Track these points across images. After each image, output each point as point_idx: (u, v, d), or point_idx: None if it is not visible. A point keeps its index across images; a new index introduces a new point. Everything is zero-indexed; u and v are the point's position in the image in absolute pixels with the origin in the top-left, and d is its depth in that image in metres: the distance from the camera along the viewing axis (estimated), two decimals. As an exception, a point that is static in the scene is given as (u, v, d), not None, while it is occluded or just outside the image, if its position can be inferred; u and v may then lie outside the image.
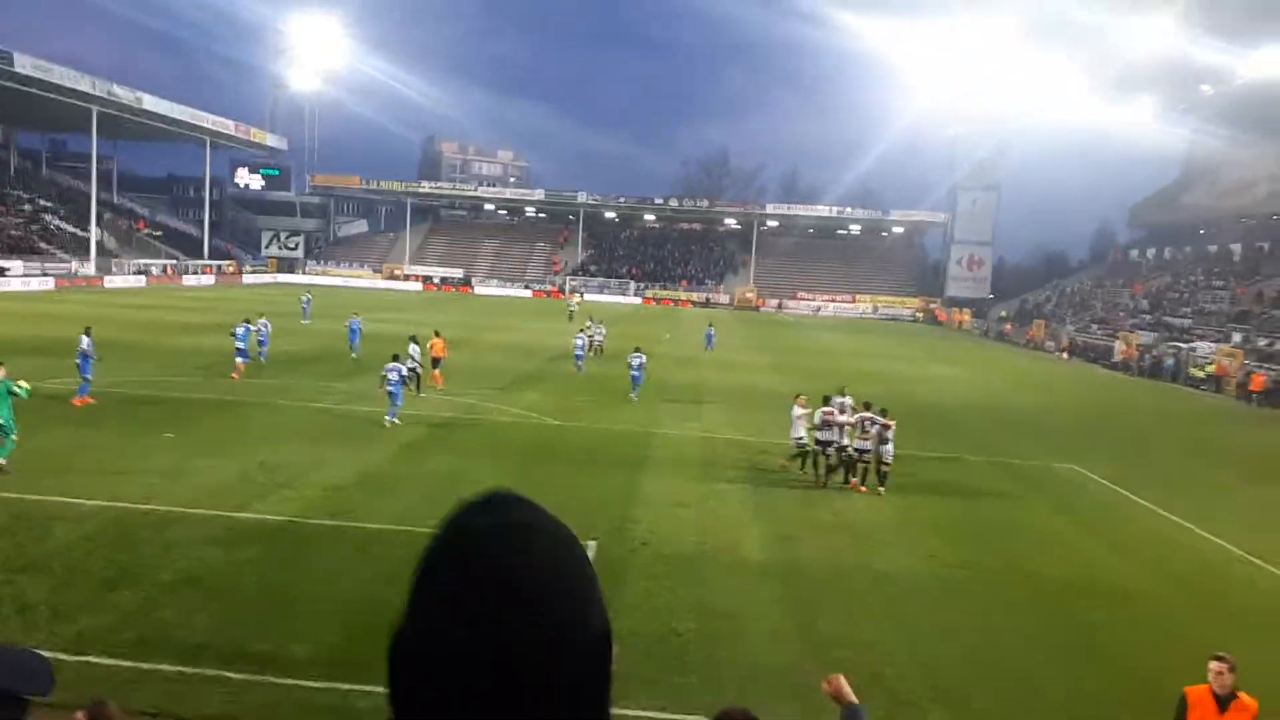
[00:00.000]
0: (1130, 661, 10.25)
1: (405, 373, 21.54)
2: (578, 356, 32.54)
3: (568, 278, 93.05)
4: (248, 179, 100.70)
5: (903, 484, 17.82)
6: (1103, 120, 75.48)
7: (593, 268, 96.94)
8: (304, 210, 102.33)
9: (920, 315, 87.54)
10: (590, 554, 11.67)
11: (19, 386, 14.87)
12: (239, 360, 25.50)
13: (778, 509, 15.77)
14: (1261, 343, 46.23)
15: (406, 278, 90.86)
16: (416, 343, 25.03)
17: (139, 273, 72.16)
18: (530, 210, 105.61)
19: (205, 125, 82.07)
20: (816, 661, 9.81)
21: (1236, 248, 63.90)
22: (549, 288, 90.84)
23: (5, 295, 51.82)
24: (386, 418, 20.35)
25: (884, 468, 17.43)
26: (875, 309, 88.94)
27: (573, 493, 15.62)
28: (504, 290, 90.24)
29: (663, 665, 9.12)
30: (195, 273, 79.00)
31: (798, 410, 18.50)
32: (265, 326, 28.85)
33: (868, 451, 17.51)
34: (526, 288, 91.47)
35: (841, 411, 17.93)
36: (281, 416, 20.86)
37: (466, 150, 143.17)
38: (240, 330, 26.06)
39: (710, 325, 46.05)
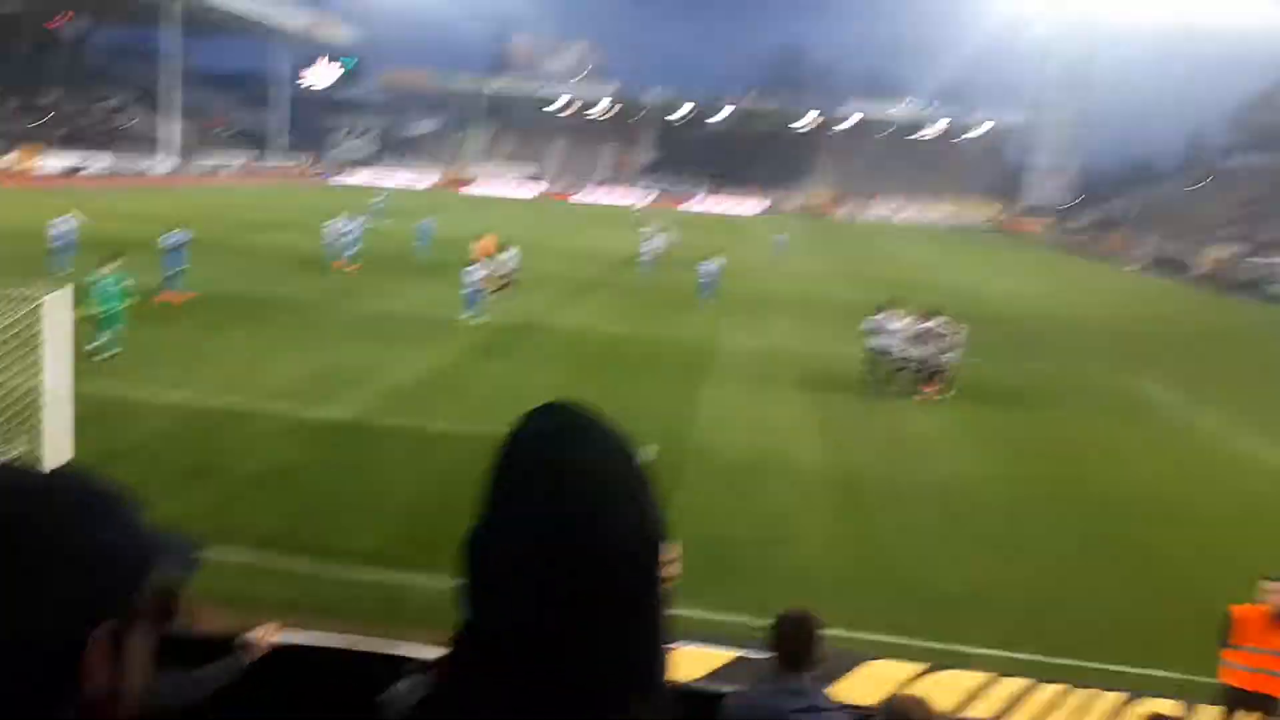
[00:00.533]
0: (1182, 580, 10.25)
1: (484, 275, 22.25)
2: (644, 264, 32.93)
3: (637, 177, 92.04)
4: (321, 73, 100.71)
5: (966, 397, 17.76)
6: (1205, 14, 70.86)
7: (661, 169, 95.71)
8: (375, 107, 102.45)
9: (998, 223, 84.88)
10: (651, 459, 11.92)
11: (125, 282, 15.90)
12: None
13: (839, 420, 15.87)
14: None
15: (475, 180, 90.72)
16: (511, 248, 24.98)
17: (216, 168, 73.54)
18: (599, 109, 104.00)
19: (277, 19, 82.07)
20: (868, 568, 10.07)
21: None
22: (619, 189, 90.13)
23: (87, 191, 53.41)
24: (466, 314, 21.45)
25: (944, 374, 17.49)
26: (952, 216, 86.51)
27: (631, 400, 15.86)
28: (595, 196, 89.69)
29: (714, 569, 9.42)
30: (266, 172, 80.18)
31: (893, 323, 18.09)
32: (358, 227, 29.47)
33: (928, 361, 17.49)
34: (601, 185, 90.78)
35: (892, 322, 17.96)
36: (348, 318, 21.43)
37: (537, 43, 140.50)
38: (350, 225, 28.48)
39: (782, 233, 45.74)
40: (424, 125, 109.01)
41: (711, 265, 27.50)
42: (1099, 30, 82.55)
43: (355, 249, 28.94)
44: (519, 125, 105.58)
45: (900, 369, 17.89)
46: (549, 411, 1.19)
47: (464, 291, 21.84)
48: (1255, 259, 48.38)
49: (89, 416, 11.02)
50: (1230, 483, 14.17)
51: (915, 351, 17.72)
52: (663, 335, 22.27)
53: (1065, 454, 14.94)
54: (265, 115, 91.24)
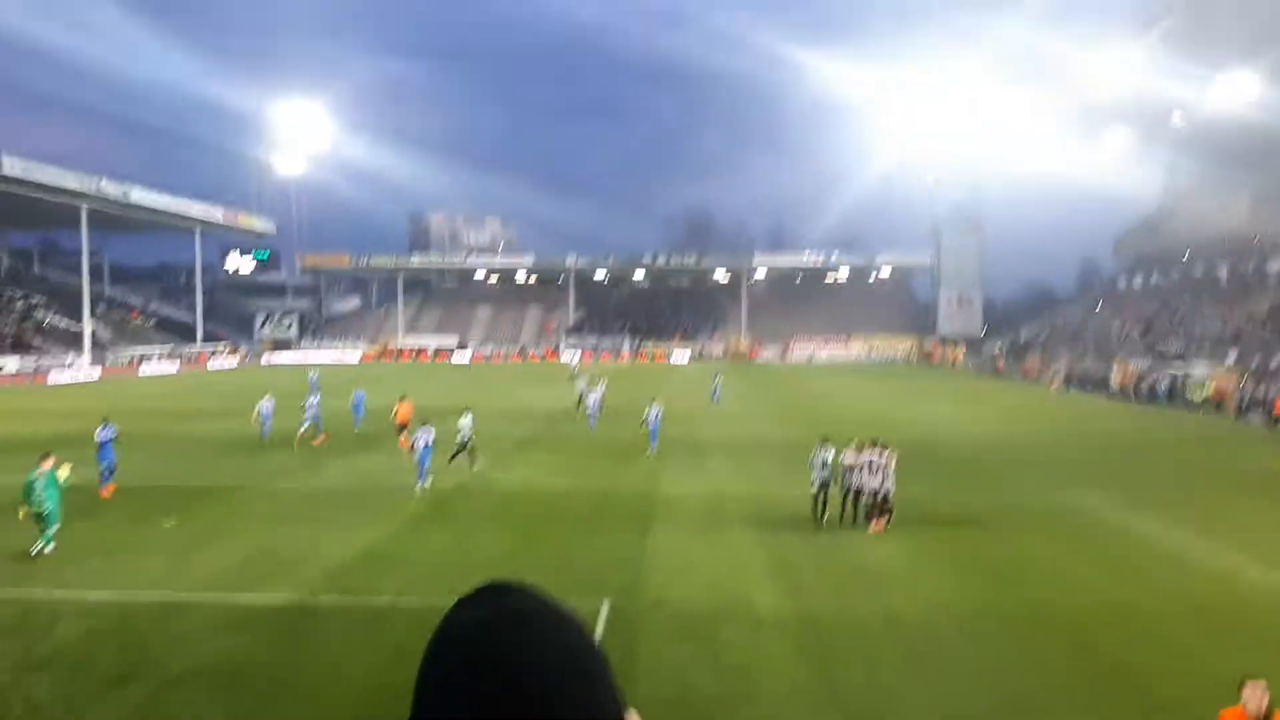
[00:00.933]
0: (1156, 692, 10.09)
1: (432, 440, 21.58)
2: (590, 416, 33.68)
3: (562, 340, 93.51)
4: (238, 263, 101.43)
5: (911, 525, 17.78)
6: (1080, 154, 76.70)
7: (585, 328, 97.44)
8: (295, 291, 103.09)
9: (914, 355, 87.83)
10: (603, 614, 11.62)
11: (61, 476, 15.51)
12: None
13: (789, 559, 15.64)
14: (1264, 364, 46.34)
15: (402, 352, 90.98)
16: (468, 415, 24.39)
17: (138, 358, 72.29)
18: (520, 275, 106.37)
19: (193, 214, 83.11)
20: (836, 712, 9.67)
21: (1223, 271, 64.39)
22: (544, 350, 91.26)
23: (7, 391, 51.72)
24: (418, 485, 21.09)
25: (886, 504, 17.54)
26: (869, 351, 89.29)
27: (581, 554, 15.57)
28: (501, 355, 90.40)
29: (683, 727, 8.95)
30: (191, 359, 79.12)
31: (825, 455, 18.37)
32: (268, 405, 29.69)
33: (876, 491, 17.55)
34: (522, 353, 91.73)
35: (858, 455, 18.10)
36: (281, 498, 20.73)
37: (454, 221, 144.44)
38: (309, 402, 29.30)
39: (717, 376, 46.43)
40: (346, 304, 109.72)
41: (655, 409, 27.79)
42: (983, 170, 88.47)
43: (316, 420, 29.03)
44: (442, 298, 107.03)
45: (844, 499, 17.99)
46: (482, 597, 1.06)
47: (416, 458, 21.39)
48: (1165, 371, 50.55)
49: (9, 623, 10.25)
50: (1179, 586, 14.20)
51: (857, 482, 17.81)
52: (610, 486, 21.97)
53: (1018, 574, 14.86)
54: (185, 305, 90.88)
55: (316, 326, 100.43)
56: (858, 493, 17.95)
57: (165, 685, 10.16)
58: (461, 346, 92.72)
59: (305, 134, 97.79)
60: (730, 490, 21.89)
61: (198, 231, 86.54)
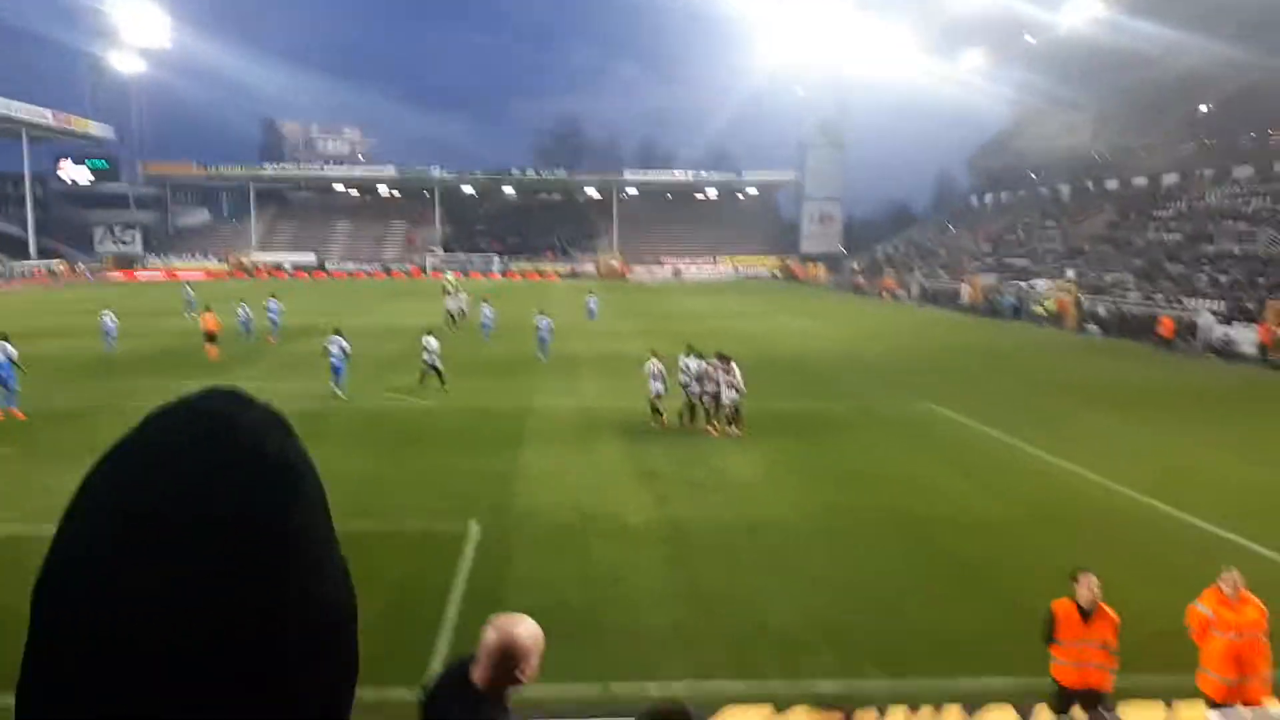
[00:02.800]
0: (999, 586, 10.81)
1: (349, 351, 22.69)
2: (485, 326, 35.11)
3: (428, 255, 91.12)
4: (73, 172, 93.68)
5: (771, 434, 18.46)
6: (937, 74, 78.84)
7: (453, 244, 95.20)
8: (138, 201, 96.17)
9: (779, 273, 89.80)
10: (473, 533, 11.44)
11: None
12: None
13: (656, 471, 15.91)
14: (1106, 276, 49.45)
15: (256, 268, 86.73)
16: (432, 336, 24.03)
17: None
18: (383, 188, 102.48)
19: (18, 116, 75.90)
20: (703, 616, 9.99)
21: (1065, 189, 67.92)
22: (409, 267, 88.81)
23: None
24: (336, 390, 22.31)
25: (733, 410, 18.75)
26: (736, 269, 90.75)
27: (451, 474, 15.41)
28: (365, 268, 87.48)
29: (552, 637, 9.03)
30: (25, 275, 73.34)
31: (651, 367, 19.86)
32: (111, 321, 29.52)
33: (716, 395, 18.90)
34: (385, 269, 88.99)
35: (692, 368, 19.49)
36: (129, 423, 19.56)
37: (310, 129, 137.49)
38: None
39: (591, 294, 46.62)
40: (194, 217, 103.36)
41: (545, 321, 29.43)
42: (848, 87, 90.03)
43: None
44: (297, 211, 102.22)
45: (702, 406, 19.12)
46: (173, 414, 0.80)
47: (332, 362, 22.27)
48: (1013, 283, 53.35)
49: None
50: (1021, 488, 15.21)
51: (710, 389, 18.91)
52: (482, 403, 21.72)
53: (873, 479, 15.59)
54: (15, 218, 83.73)
55: (161, 241, 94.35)
56: (715, 399, 18.85)
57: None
58: (320, 264, 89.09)
59: (141, 27, 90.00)
60: (601, 404, 22.02)
61: (24, 135, 79.38)
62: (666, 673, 8.53)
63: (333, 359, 22.47)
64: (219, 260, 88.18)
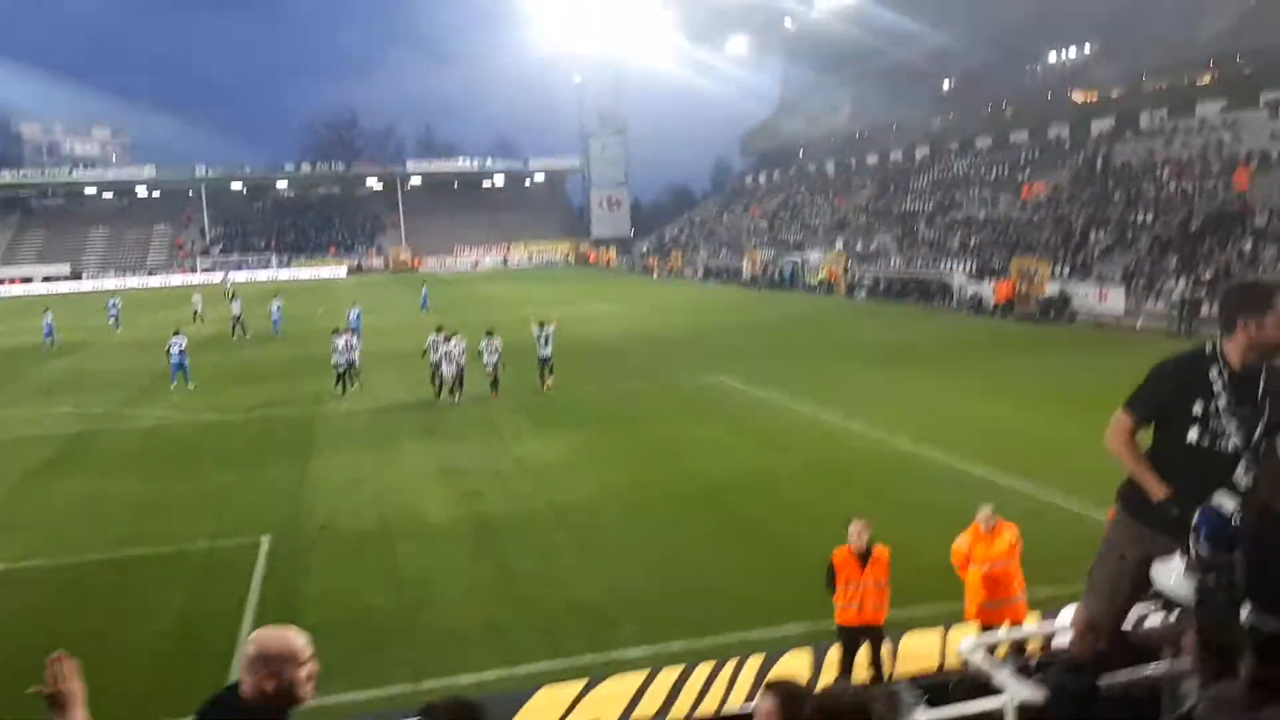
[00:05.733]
0: (787, 542, 11.50)
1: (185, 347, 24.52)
2: (275, 322, 36.51)
3: (199, 258, 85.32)
4: None
5: (573, 418, 18.78)
6: (706, 60, 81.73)
7: (224, 245, 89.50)
8: None
9: (572, 258, 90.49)
10: (263, 550, 10.98)
11: None
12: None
13: (458, 465, 15.78)
14: (871, 245, 52.98)
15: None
16: (347, 332, 23.77)
17: None
18: (141, 190, 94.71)
19: None
20: (514, 604, 10.05)
21: (830, 166, 72.26)
22: (178, 273, 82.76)
23: None
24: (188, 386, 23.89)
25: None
26: (530, 256, 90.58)
27: (237, 489, 14.64)
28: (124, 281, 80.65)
29: (360, 647, 8.85)
30: None
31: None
32: None
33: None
34: (150, 274, 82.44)
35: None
36: None
37: (53, 130, 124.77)
38: None
39: (424, 285, 49.39)
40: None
41: (354, 310, 32.18)
42: (624, 75, 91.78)
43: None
44: (45, 219, 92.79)
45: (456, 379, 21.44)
46: None
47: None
48: (788, 258, 56.29)
49: None
50: (804, 446, 16.21)
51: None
52: (268, 411, 20.66)
53: (669, 452, 16.15)
54: None
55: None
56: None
57: None
58: (75, 275, 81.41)
59: None
60: (397, 400, 21.53)
61: None
62: (478, 664, 8.53)
63: (173, 359, 24.22)
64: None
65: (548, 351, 22.28)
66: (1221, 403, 3.46)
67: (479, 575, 10.93)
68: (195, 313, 42.97)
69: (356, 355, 23.12)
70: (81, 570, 11.33)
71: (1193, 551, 3.03)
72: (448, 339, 21.64)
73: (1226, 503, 3.01)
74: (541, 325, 22.52)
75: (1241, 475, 3.40)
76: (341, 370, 22.71)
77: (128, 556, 11.73)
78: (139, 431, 19.52)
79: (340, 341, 22.76)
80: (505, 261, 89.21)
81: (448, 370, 21.36)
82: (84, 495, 14.67)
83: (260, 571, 11.08)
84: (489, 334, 22.21)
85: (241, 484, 14.98)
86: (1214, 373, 3.49)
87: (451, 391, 21.45)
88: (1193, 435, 3.50)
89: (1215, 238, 32.58)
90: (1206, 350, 3.54)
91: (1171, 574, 3.16)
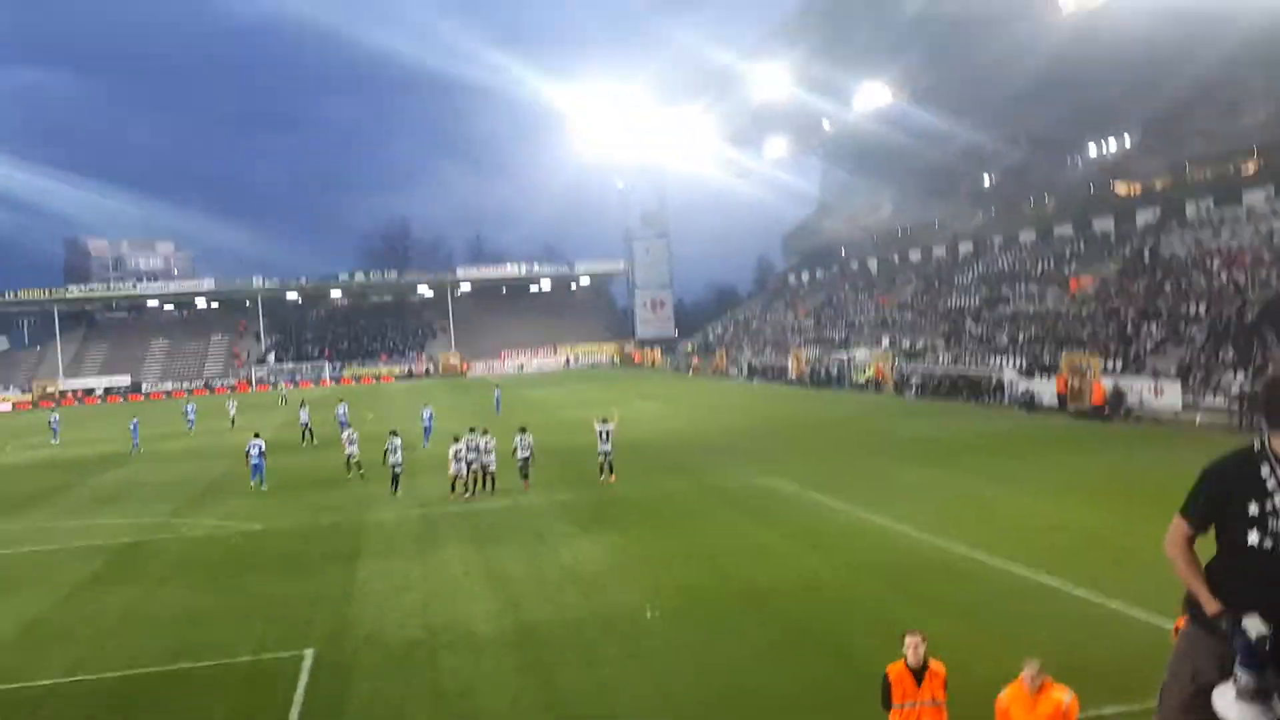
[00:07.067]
0: (843, 649, 11.14)
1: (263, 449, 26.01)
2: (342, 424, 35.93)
3: (254, 367, 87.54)
4: None
5: (622, 520, 18.63)
6: (747, 162, 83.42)
7: (278, 353, 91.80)
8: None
9: (618, 359, 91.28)
10: (307, 664, 10.91)
11: None
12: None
13: (504, 573, 15.62)
14: (918, 342, 52.67)
15: (63, 395, 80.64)
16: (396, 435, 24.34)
17: None
18: (201, 302, 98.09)
19: None
20: (557, 716, 9.79)
21: (873, 263, 72.53)
22: (235, 382, 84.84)
23: None
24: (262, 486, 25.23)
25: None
26: (575, 358, 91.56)
27: (283, 599, 14.62)
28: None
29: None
30: None
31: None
32: None
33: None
34: (207, 385, 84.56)
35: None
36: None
37: (120, 246, 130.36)
38: None
39: (498, 388, 50.22)
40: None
41: (427, 410, 34.50)
42: (666, 178, 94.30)
43: None
44: (109, 332, 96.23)
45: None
46: None
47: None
48: (833, 356, 56.10)
49: None
50: (854, 550, 15.80)
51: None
52: (313, 519, 20.74)
53: (718, 556, 15.83)
54: None
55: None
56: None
57: None
58: (135, 386, 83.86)
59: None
60: (443, 509, 21.52)
61: None
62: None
63: (253, 460, 25.48)
64: (22, 390, 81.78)
65: (608, 447, 23.31)
66: (1278, 501, 3.32)
67: (523, 688, 10.67)
68: (231, 419, 44.72)
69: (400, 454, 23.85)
70: (127, 684, 11.30)
71: (1236, 677, 2.87)
72: (484, 433, 23.41)
73: (1253, 625, 2.85)
74: (604, 421, 23.50)
75: None
76: (398, 471, 23.36)
77: (173, 670, 11.69)
78: (186, 540, 19.70)
79: (397, 442, 23.44)
80: (561, 363, 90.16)
81: (479, 464, 22.66)
82: (130, 606, 14.74)
83: (305, 683, 10.96)
84: (522, 430, 23.68)
85: (287, 594, 14.96)
86: (1265, 470, 3.36)
87: (482, 487, 22.74)
88: (1254, 538, 3.34)
89: (1273, 328, 31.86)
90: (1255, 448, 3.41)
91: (1227, 699, 2.98)
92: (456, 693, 10.61)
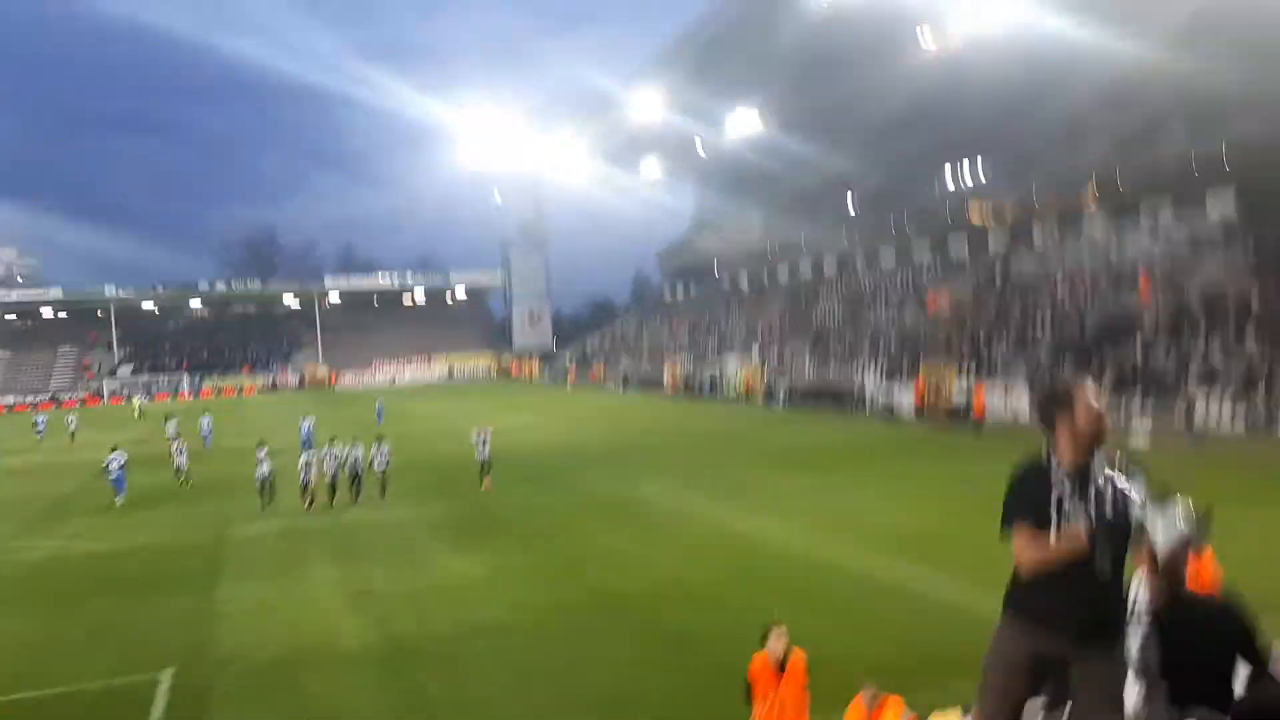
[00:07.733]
0: (716, 653, 11.40)
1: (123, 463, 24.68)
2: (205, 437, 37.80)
3: (105, 380, 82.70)
4: None
5: (492, 534, 18.49)
6: (623, 180, 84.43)
7: (134, 365, 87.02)
8: None
9: (495, 371, 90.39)
10: (163, 687, 10.53)
11: None
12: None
13: (371, 586, 15.35)
14: (780, 357, 54.20)
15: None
16: (262, 446, 23.52)
17: None
18: (47, 311, 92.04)
19: None
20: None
21: (744, 279, 74.34)
22: (83, 395, 79.97)
23: None
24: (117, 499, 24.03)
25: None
26: (451, 371, 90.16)
27: (135, 622, 13.95)
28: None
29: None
30: None
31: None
32: None
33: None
34: (54, 399, 79.35)
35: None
36: None
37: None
38: None
39: (379, 399, 49.77)
40: None
41: (306, 422, 33.40)
42: (544, 191, 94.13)
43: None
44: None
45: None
46: None
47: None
48: (705, 369, 57.19)
49: None
50: (723, 554, 16.19)
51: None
52: (173, 538, 19.77)
53: (587, 566, 15.94)
54: None
55: None
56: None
57: None
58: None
59: None
60: (308, 522, 20.92)
61: None
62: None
63: (113, 475, 24.26)
64: None
65: (486, 454, 24.52)
66: (1067, 499, 3.72)
67: (391, 704, 10.55)
68: (71, 433, 44.56)
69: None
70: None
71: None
72: (346, 443, 23.71)
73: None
74: (479, 430, 25.10)
75: (1099, 567, 3.66)
76: (267, 482, 22.80)
77: (13, 700, 11.02)
78: (26, 564, 18.53)
79: (262, 453, 23.00)
80: (438, 375, 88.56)
81: (350, 472, 23.08)
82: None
83: (160, 708, 10.52)
84: (379, 439, 24.31)
85: (142, 615, 14.28)
86: (1054, 473, 3.77)
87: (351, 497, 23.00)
88: (1053, 535, 3.73)
89: (1110, 343, 34.34)
90: (1044, 453, 3.83)
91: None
92: (321, 711, 10.39)
